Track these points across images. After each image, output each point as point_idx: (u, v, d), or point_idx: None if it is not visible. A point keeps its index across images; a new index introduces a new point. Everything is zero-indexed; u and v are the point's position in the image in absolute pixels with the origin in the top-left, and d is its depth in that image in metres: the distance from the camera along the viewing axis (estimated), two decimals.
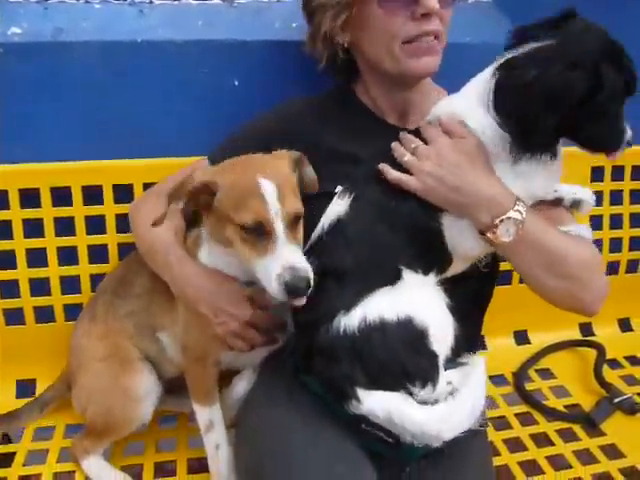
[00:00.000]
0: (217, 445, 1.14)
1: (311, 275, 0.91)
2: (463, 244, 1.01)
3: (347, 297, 0.96)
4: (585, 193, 1.10)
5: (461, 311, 1.01)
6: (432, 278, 0.99)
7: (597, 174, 1.61)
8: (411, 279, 0.97)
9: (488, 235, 0.95)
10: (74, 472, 1.23)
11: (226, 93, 1.36)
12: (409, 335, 0.93)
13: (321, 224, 1.05)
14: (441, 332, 0.97)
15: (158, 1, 1.36)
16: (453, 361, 1.01)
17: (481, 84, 1.00)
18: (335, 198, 1.06)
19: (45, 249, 1.35)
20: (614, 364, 1.60)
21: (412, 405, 0.94)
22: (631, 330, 1.74)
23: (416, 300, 0.96)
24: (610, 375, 1.53)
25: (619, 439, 1.34)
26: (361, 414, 0.95)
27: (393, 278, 0.97)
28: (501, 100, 0.96)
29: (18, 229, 1.33)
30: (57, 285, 1.37)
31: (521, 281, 1.57)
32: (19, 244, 1.34)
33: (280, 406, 1.05)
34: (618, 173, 1.63)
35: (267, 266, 0.92)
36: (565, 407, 1.45)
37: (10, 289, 1.36)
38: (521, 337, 1.67)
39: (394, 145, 1.04)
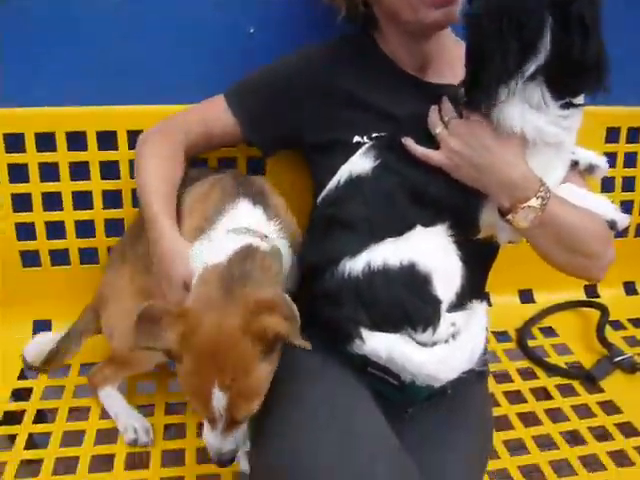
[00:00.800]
0: None
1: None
2: (494, 225, 1.02)
3: (354, 244, 0.98)
4: (600, 160, 1.10)
5: (468, 261, 1.03)
6: (444, 229, 1.00)
7: (612, 135, 1.60)
8: (420, 230, 0.99)
9: (507, 217, 0.97)
10: (89, 408, 1.28)
11: (241, 41, 1.36)
12: (412, 280, 0.95)
13: (337, 177, 1.06)
14: (446, 278, 0.99)
15: None
16: (457, 307, 1.03)
17: None
18: (357, 155, 1.06)
19: (60, 193, 1.37)
20: (617, 325, 1.61)
21: (413, 346, 0.97)
22: (636, 293, 1.74)
23: (422, 247, 0.97)
24: (612, 336, 1.55)
25: (617, 396, 1.37)
26: (365, 355, 0.98)
27: (405, 231, 0.98)
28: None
29: (34, 173, 1.35)
30: (72, 229, 1.40)
31: None
32: (35, 187, 1.36)
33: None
34: (633, 135, 1.62)
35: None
36: (566, 364, 1.47)
37: (27, 232, 1.39)
38: (526, 296, 1.69)
39: (431, 111, 1.03)
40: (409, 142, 1.01)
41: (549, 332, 1.59)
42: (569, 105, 0.95)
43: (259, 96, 1.20)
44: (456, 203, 1.00)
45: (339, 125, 1.09)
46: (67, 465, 1.16)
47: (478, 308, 1.06)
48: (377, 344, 0.97)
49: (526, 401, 1.35)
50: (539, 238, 1.00)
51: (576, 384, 1.41)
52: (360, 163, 1.04)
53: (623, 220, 1.06)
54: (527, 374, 1.44)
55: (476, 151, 0.96)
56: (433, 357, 0.97)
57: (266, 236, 1.02)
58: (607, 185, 1.59)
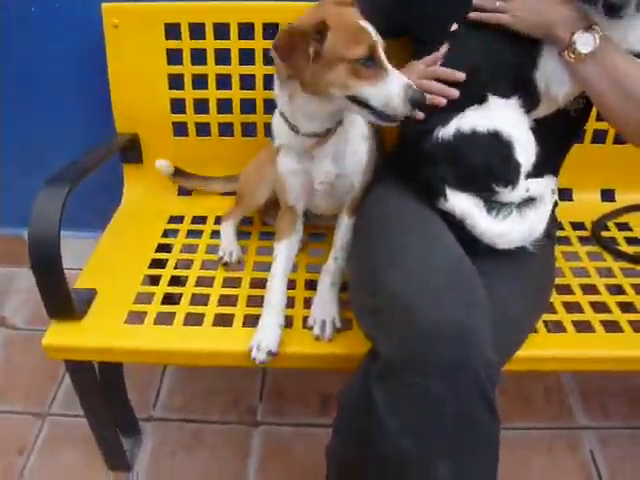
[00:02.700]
0: (273, 274, 1.34)
1: None
2: (554, 79, 1.17)
3: (443, 115, 1.20)
4: None
5: (542, 137, 1.21)
6: (517, 102, 1.19)
7: None
8: (498, 101, 1.18)
9: (567, 53, 1.11)
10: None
11: None
12: (497, 144, 1.16)
13: None
14: (524, 148, 1.19)
15: None
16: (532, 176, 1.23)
17: None
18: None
19: (230, 75, 1.67)
20: None
21: (481, 213, 1.19)
22: None
23: (503, 118, 1.17)
24: None
25: None
26: (446, 210, 1.21)
27: (480, 100, 1.18)
28: None
29: (187, 58, 1.65)
30: (238, 105, 1.70)
31: (616, 141, 1.71)
32: (211, 69, 1.67)
33: (388, 204, 1.29)
34: None
35: (384, 89, 1.08)
36: (634, 253, 1.61)
37: (201, 107, 1.71)
38: (608, 195, 1.81)
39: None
40: (475, 14, 1.20)
41: (624, 227, 1.73)
42: None
43: None
44: (517, 62, 1.17)
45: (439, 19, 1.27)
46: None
47: (549, 186, 1.25)
48: (456, 204, 1.20)
49: (589, 276, 1.53)
50: (595, 76, 1.12)
51: None
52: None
53: None
54: (595, 257, 1.61)
55: (532, 2, 1.14)
56: (495, 228, 1.19)
57: None
58: None
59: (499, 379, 1.04)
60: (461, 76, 1.19)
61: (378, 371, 1.02)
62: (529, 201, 1.23)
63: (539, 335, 1.32)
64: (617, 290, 1.49)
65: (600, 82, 1.13)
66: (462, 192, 1.21)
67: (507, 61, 1.19)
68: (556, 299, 1.43)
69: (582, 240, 1.67)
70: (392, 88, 1.08)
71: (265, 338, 1.25)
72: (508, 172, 1.18)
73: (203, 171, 1.79)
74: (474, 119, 1.17)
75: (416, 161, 1.24)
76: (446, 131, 1.19)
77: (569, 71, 1.15)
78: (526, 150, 1.19)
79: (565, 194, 1.79)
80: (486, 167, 1.17)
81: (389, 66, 1.09)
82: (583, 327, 1.36)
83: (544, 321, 1.35)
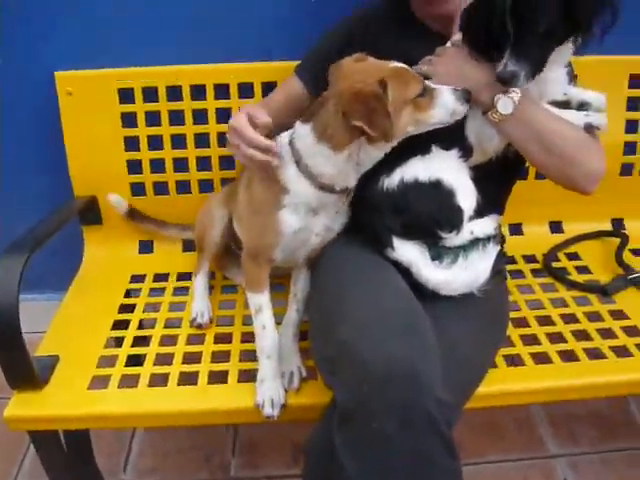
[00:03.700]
0: (263, 326, 1.31)
1: None
2: (483, 135, 1.24)
3: (388, 165, 1.25)
4: (593, 96, 1.25)
5: (485, 184, 1.28)
6: (456, 154, 1.26)
7: (634, 82, 1.76)
8: (439, 152, 1.25)
9: (490, 114, 1.18)
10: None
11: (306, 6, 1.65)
12: (439, 192, 1.22)
13: None
14: (465, 194, 1.25)
15: None
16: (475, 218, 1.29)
17: None
18: None
19: (185, 135, 1.72)
20: (638, 253, 1.79)
21: (426, 262, 1.25)
22: None
23: (444, 167, 1.23)
24: (632, 260, 1.74)
25: (627, 307, 1.56)
26: (394, 259, 1.26)
27: (424, 152, 1.25)
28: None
29: (141, 120, 1.70)
30: (194, 163, 1.75)
31: None
32: (165, 130, 1.72)
33: (342, 254, 1.32)
34: None
35: (443, 105, 1.17)
36: (584, 281, 1.68)
37: (158, 166, 1.75)
38: (556, 227, 1.89)
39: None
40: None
41: (573, 256, 1.80)
42: None
43: (322, 61, 1.45)
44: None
45: None
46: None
47: (493, 224, 1.32)
48: (403, 254, 1.25)
49: (544, 307, 1.58)
50: (516, 133, 1.20)
51: (592, 297, 1.62)
52: None
53: (598, 120, 1.23)
54: (548, 287, 1.67)
55: (454, 65, 1.22)
56: (439, 276, 1.25)
57: None
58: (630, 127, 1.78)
59: (455, 418, 1.06)
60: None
61: (338, 418, 1.04)
62: (475, 243, 1.29)
63: (499, 370, 1.35)
64: (571, 319, 1.55)
65: (523, 138, 1.21)
66: (408, 240, 1.26)
67: None
68: (513, 332, 1.48)
69: (535, 272, 1.74)
70: (448, 100, 1.17)
71: (274, 392, 1.26)
72: (451, 218, 1.23)
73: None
74: (417, 169, 1.23)
75: (364, 212, 1.29)
76: (391, 181, 1.24)
77: (495, 128, 1.22)
78: (467, 196, 1.25)
79: (515, 228, 1.87)
80: (430, 214, 1.22)
81: (433, 85, 1.18)
82: (541, 359, 1.41)
83: (503, 355, 1.39)
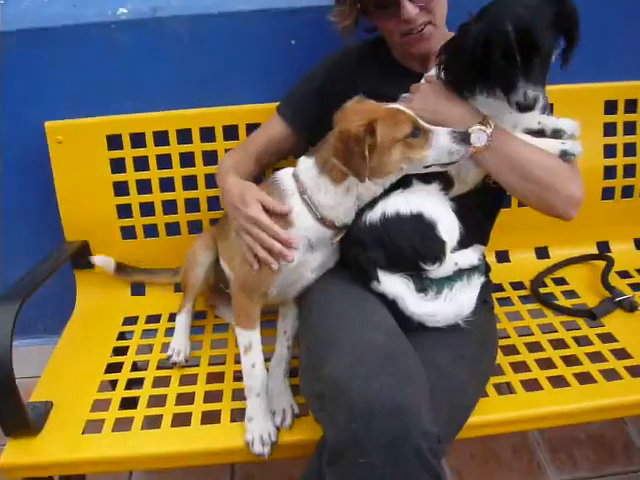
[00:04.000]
0: (253, 364, 1.31)
1: None
2: (461, 167, 1.27)
3: (371, 200, 1.28)
4: (566, 123, 1.29)
5: (467, 214, 1.30)
6: (437, 187, 1.29)
7: (610, 109, 1.81)
8: (420, 186, 1.28)
9: None
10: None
11: (285, 52, 1.69)
12: (420, 225, 1.25)
13: None
14: (446, 226, 1.27)
15: None
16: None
17: None
18: None
19: (173, 178, 1.76)
20: (625, 275, 1.82)
21: (411, 295, 1.27)
22: None
23: (425, 201, 1.26)
24: (618, 282, 1.76)
25: (615, 330, 1.58)
26: (380, 292, 1.28)
27: (405, 185, 1.28)
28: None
29: (130, 165, 1.73)
30: (182, 206, 1.78)
31: None
32: (154, 174, 1.75)
33: (329, 289, 1.35)
34: (631, 107, 1.82)
35: (437, 145, 1.20)
36: (572, 305, 1.69)
37: (147, 210, 1.78)
38: (542, 252, 1.92)
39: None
40: None
41: (560, 281, 1.82)
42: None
43: (303, 100, 1.52)
44: None
45: None
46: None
47: (476, 254, 1.34)
48: (388, 287, 1.28)
49: (533, 333, 1.60)
50: (493, 164, 1.23)
51: (580, 321, 1.64)
52: None
53: (573, 147, 1.26)
54: (536, 313, 1.68)
55: (429, 100, 1.26)
56: (424, 309, 1.27)
57: None
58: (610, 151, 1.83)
59: (444, 448, 1.07)
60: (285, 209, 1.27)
61: (327, 454, 1.05)
62: (459, 274, 1.31)
63: (490, 399, 1.36)
64: (560, 344, 1.56)
65: (498, 168, 1.25)
66: (393, 273, 1.28)
67: None
68: (503, 360, 1.49)
69: (522, 299, 1.75)
70: (444, 141, 1.20)
71: (263, 430, 1.26)
72: (434, 250, 1.26)
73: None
74: (398, 202, 1.26)
75: (350, 246, 1.32)
76: (373, 215, 1.27)
77: (471, 160, 1.26)
78: (449, 228, 1.28)
79: (501, 256, 1.90)
80: (412, 247, 1.25)
81: (429, 127, 1.22)
82: (531, 386, 1.42)
83: (494, 384, 1.40)
